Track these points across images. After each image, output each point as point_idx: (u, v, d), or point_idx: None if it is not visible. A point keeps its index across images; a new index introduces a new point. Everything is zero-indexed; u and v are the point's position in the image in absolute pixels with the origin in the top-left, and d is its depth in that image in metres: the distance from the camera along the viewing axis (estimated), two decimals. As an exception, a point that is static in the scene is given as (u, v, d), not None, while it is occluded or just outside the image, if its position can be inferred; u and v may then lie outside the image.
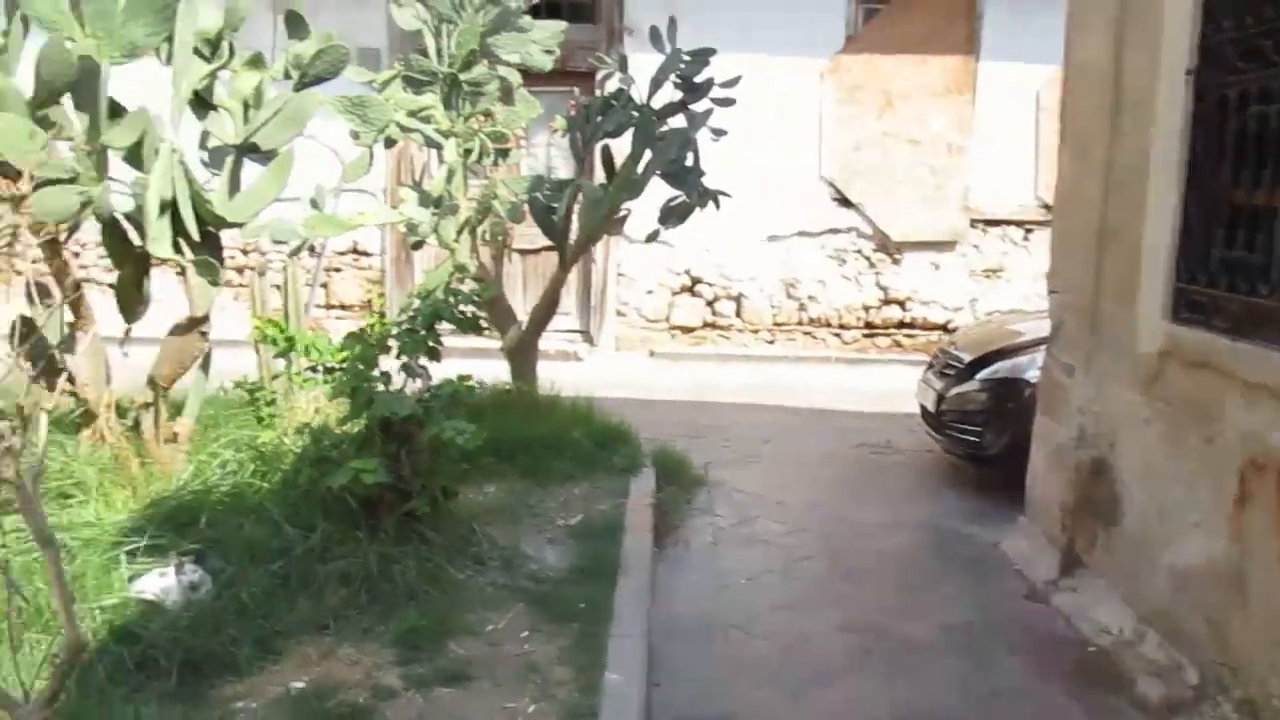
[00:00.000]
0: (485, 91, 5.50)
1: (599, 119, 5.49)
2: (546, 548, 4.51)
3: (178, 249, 4.25)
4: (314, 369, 4.48)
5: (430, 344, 4.19)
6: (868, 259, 9.77)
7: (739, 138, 9.59)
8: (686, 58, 5.65)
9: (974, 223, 9.72)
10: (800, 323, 9.85)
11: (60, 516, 3.99)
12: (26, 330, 3.72)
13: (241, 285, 9.40)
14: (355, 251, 9.78)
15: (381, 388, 3.98)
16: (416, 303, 4.33)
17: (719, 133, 6.01)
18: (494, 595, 3.94)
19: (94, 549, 3.72)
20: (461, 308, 4.34)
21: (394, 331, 4.12)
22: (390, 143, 5.90)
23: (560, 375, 8.73)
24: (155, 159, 4.03)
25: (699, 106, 5.78)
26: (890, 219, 9.62)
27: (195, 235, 4.22)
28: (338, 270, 9.81)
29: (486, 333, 5.93)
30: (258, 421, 5.04)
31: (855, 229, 9.71)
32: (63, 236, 4.31)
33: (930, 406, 6.08)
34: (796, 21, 9.38)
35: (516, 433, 5.58)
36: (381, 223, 5.62)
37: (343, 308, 9.85)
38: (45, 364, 4.13)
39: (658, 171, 5.65)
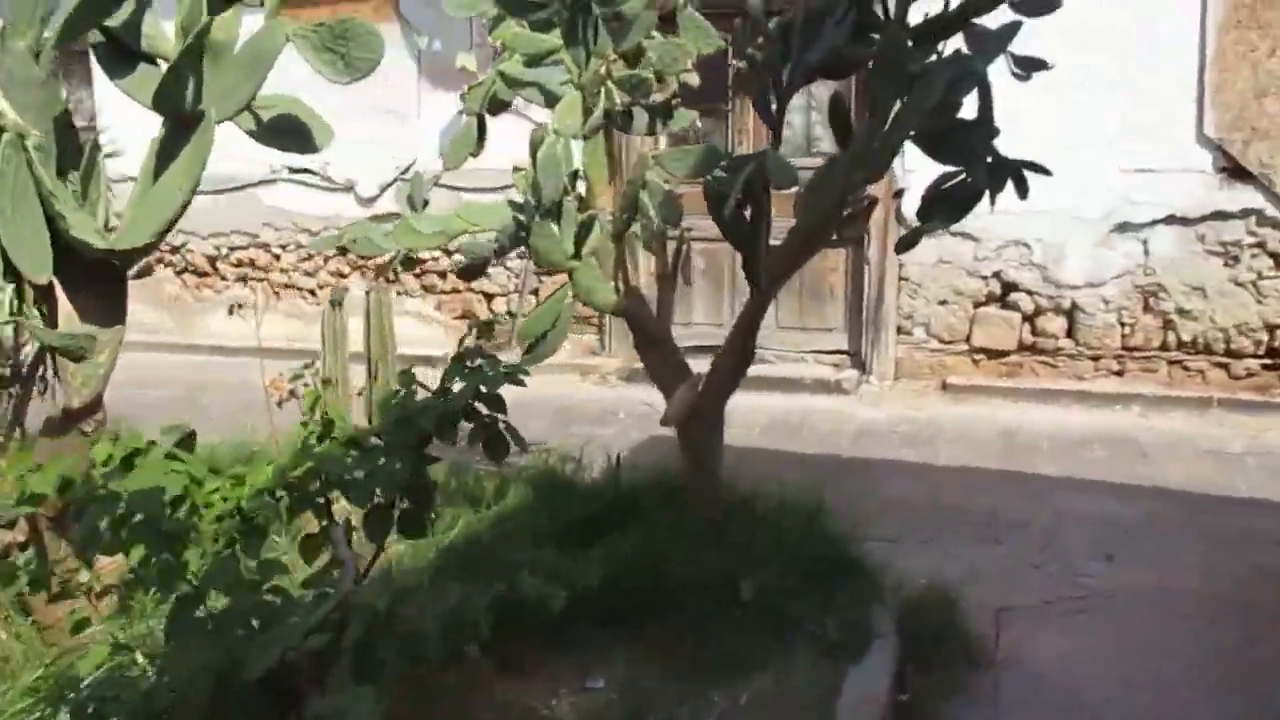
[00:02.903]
0: (626, 13, 3.37)
1: (801, 44, 3.19)
2: None
3: (19, 300, 2.49)
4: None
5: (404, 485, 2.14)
6: (1274, 256, 6.67)
7: (1066, 78, 6.77)
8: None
9: None
10: (1165, 347, 6.92)
11: None
12: None
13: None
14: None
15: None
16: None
17: (1030, 67, 3.56)
18: None
19: None
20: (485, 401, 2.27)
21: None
22: (499, 106, 3.92)
23: (813, 415, 6.48)
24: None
25: (988, 21, 3.34)
26: (1314, 197, 6.49)
27: (41, 275, 2.43)
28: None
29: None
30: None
31: (1256, 213, 6.64)
32: None
33: None
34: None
35: (665, 564, 3.44)
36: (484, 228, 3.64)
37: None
38: None
39: (912, 133, 3.27)
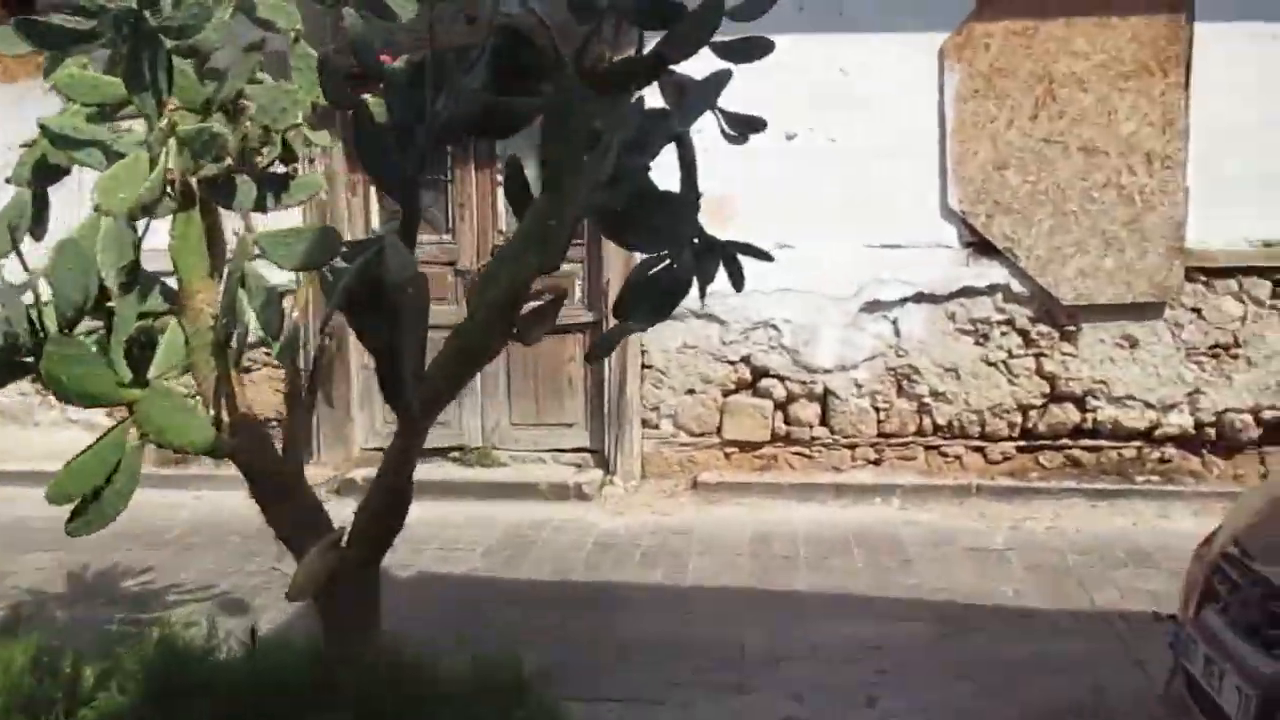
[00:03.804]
0: (201, 45, 2.44)
1: (435, 92, 2.34)
2: None
3: None
4: None
5: None
6: (1023, 334, 6.37)
7: (815, 147, 6.44)
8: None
9: (1191, 273, 6.25)
10: (921, 433, 6.49)
11: None
12: None
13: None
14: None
15: None
16: None
17: (745, 128, 2.88)
18: None
19: None
20: None
21: None
22: (51, 174, 2.88)
23: (548, 528, 5.64)
24: None
25: (690, 68, 2.62)
26: (1057, 272, 6.23)
27: None
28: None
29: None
30: None
31: (1002, 288, 6.34)
32: None
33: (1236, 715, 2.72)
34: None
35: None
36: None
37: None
38: None
39: (592, 211, 2.48)
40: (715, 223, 6.25)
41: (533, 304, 2.85)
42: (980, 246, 6.30)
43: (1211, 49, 6.07)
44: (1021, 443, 6.44)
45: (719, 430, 6.52)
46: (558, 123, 2.51)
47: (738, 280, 2.61)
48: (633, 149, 2.38)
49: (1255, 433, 6.32)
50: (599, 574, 5.15)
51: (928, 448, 6.49)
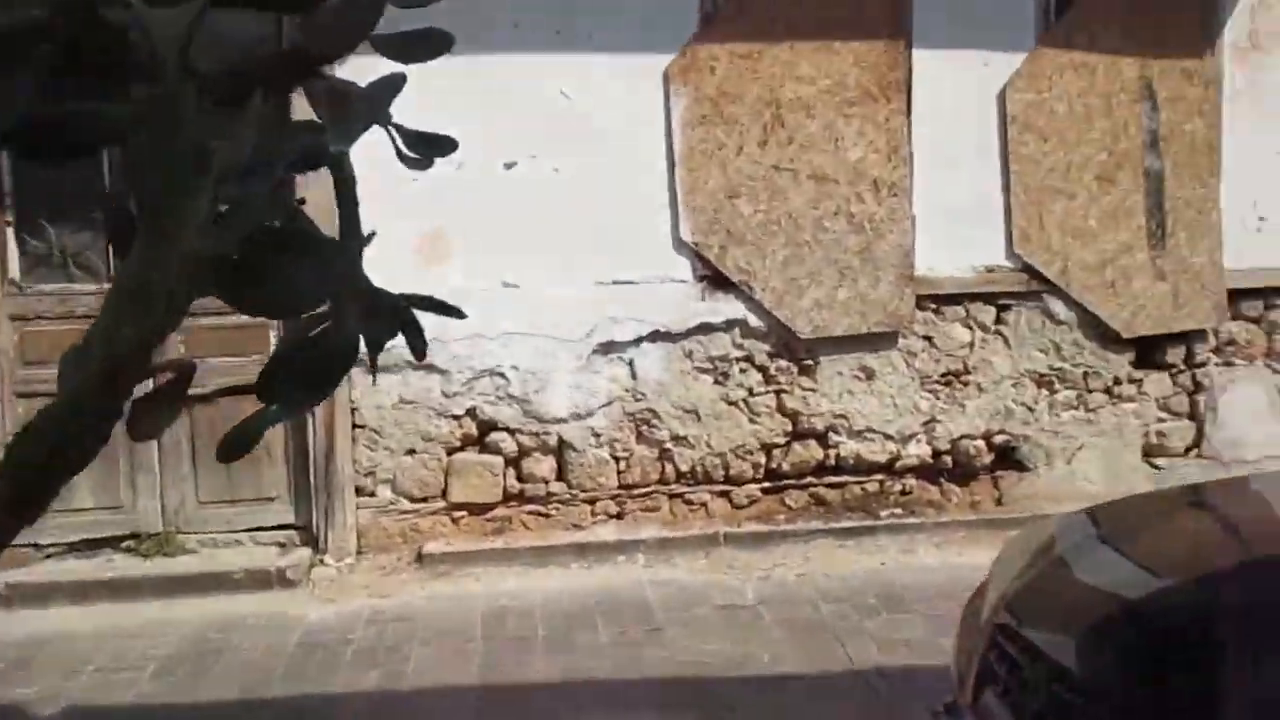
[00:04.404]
0: None
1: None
2: None
3: None
4: None
5: None
6: (763, 370, 6.08)
7: (538, 182, 5.90)
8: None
9: (922, 301, 6.17)
10: (664, 481, 6.05)
11: None
12: None
13: None
14: None
15: None
16: None
17: (432, 149, 2.21)
18: None
19: None
20: None
21: None
22: None
23: (243, 627, 4.89)
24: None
25: (349, 69, 1.95)
26: (793, 304, 5.98)
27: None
28: None
29: None
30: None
31: (740, 323, 6.02)
32: None
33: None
34: (618, -8, 5.76)
35: None
36: None
37: None
38: None
39: (203, 261, 1.76)
40: (430, 261, 5.63)
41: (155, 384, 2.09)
42: (715, 280, 5.96)
43: (929, 75, 6.03)
44: (767, 484, 6.14)
45: (444, 493, 5.81)
46: (155, 141, 1.78)
47: (418, 347, 1.96)
48: (251, 174, 1.69)
49: (988, 458, 6.31)
50: (301, 684, 4.31)
51: (672, 496, 6.05)
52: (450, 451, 5.80)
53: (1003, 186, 6.16)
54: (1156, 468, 6.47)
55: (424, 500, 5.80)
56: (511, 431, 5.84)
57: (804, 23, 5.86)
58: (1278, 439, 6.58)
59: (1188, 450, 6.52)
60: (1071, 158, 6.18)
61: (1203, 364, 6.50)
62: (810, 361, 6.09)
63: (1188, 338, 6.46)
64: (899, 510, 6.17)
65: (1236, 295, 6.48)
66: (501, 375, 5.79)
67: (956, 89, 6.06)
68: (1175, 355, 6.46)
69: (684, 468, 6.01)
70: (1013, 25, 6.13)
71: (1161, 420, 6.48)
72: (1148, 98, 6.27)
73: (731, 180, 5.87)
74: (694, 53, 5.81)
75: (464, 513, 5.83)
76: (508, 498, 5.86)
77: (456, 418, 5.80)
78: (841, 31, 5.88)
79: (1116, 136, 6.23)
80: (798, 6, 5.85)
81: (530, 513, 5.90)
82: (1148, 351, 6.44)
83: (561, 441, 5.88)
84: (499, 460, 5.84)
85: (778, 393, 6.08)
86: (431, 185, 5.70)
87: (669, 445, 5.99)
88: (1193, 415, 6.52)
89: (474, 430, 5.81)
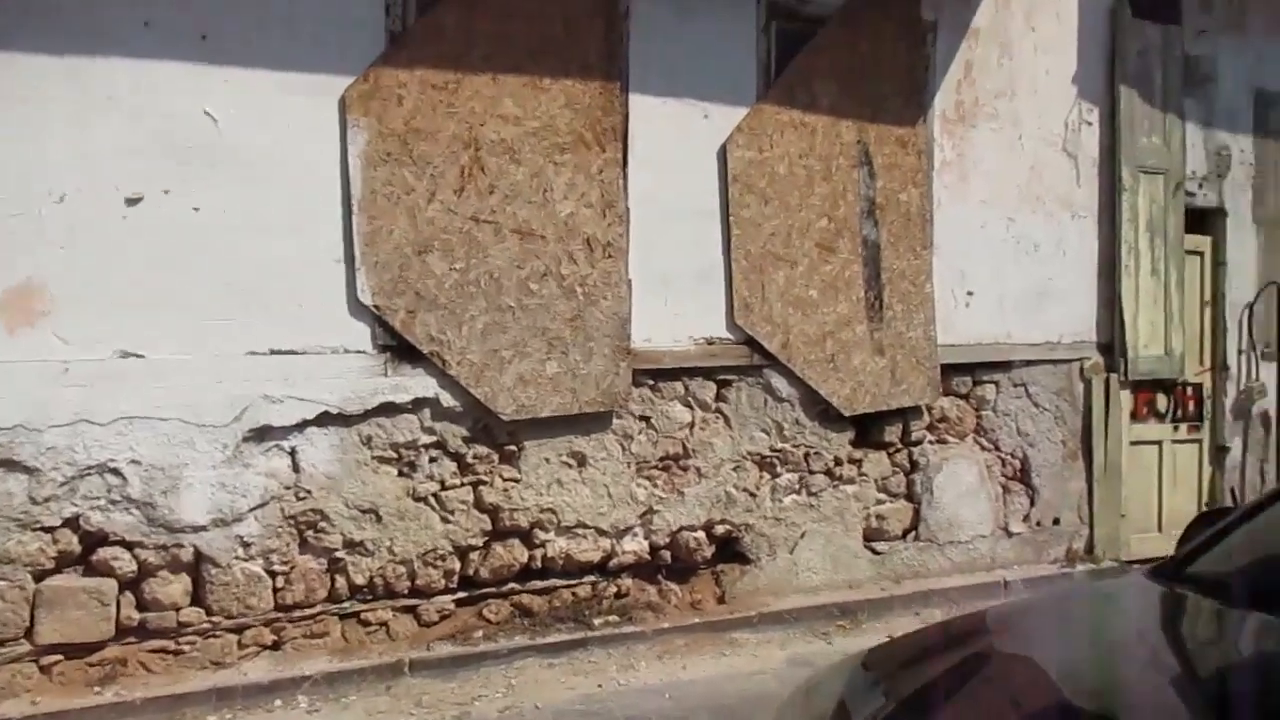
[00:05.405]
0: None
1: None
2: None
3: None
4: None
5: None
6: (458, 459, 5.10)
7: (172, 224, 4.61)
8: None
9: (639, 377, 5.45)
10: (335, 598, 4.90)
11: None
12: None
13: None
14: None
15: None
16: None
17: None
18: None
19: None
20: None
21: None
22: None
23: None
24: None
25: None
26: (494, 380, 5.07)
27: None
28: None
29: None
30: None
31: (430, 403, 5.02)
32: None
33: None
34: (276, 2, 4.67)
35: None
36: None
37: None
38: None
39: None
40: (15, 324, 4.18)
41: None
42: (401, 350, 4.94)
43: (647, 123, 5.38)
44: (462, 594, 5.14)
45: (30, 633, 4.34)
46: None
47: None
48: None
49: (709, 550, 5.68)
50: None
51: (344, 616, 4.92)
52: (39, 576, 4.35)
53: (724, 249, 5.60)
54: (877, 553, 6.10)
55: (2, 645, 4.29)
56: (129, 545, 4.48)
57: (508, 51, 5.02)
58: (987, 518, 6.43)
59: (905, 533, 6.21)
60: (793, 222, 5.73)
61: (918, 442, 6.24)
62: (513, 447, 5.19)
63: (904, 414, 6.17)
64: (614, 617, 5.37)
65: (948, 370, 6.28)
66: (116, 472, 4.43)
67: (678, 141, 5.45)
68: (893, 433, 6.15)
69: (360, 580, 4.90)
70: (734, 75, 5.62)
71: (880, 502, 6.13)
72: (865, 163, 5.96)
73: (422, 232, 4.89)
74: (378, 77, 4.81)
75: (59, 656, 4.38)
76: (123, 633, 4.48)
77: (50, 530, 4.36)
78: (551, 65, 5.09)
79: (836, 202, 5.86)
80: (501, 30, 5.00)
81: (155, 650, 4.54)
82: (866, 429, 6.09)
83: (199, 555, 4.59)
84: (111, 584, 4.45)
85: (475, 485, 5.13)
86: (19, 222, 4.35)
87: (341, 554, 4.86)
88: (909, 495, 6.22)
89: (75, 546, 4.40)
